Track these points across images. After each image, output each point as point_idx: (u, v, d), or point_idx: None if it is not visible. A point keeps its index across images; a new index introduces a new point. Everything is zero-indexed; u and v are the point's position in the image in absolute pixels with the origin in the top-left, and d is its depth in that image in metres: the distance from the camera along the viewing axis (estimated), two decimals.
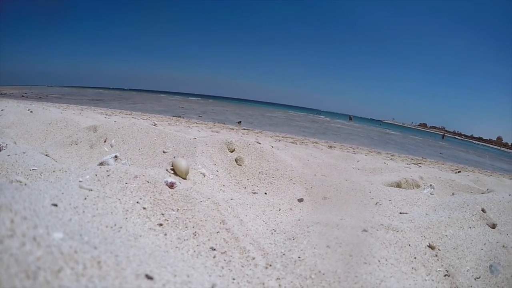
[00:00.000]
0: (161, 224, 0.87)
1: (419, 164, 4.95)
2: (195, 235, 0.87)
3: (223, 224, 0.94)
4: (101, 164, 1.32)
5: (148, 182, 1.01)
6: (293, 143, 5.42)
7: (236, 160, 1.74)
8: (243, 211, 1.15)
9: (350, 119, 36.56)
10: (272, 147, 2.20)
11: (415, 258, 0.96)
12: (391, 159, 5.57)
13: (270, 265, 0.81)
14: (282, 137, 7.01)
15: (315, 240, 0.93)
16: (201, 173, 1.45)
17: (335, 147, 6.36)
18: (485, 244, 1.08)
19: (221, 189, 1.45)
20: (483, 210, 1.29)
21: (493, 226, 1.21)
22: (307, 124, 16.24)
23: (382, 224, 1.09)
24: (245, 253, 0.85)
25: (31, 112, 2.79)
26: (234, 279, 0.75)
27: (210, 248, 0.84)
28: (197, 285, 0.58)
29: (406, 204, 1.44)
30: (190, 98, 36.31)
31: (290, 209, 1.36)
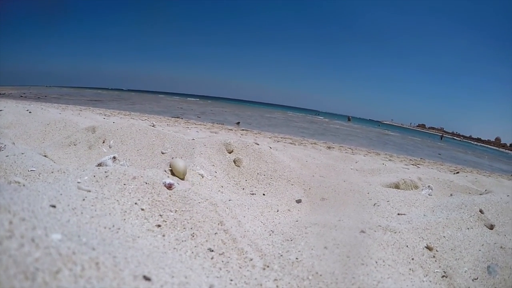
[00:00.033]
0: (159, 225, 0.87)
1: (418, 165, 4.96)
2: (193, 236, 0.87)
3: (221, 225, 0.94)
4: (99, 165, 1.32)
5: (146, 183, 1.01)
6: (291, 144, 5.42)
7: (234, 161, 1.74)
8: (241, 212, 1.15)
9: (349, 119, 36.60)
10: (271, 148, 2.20)
11: (412, 259, 0.96)
12: (389, 160, 5.59)
13: (268, 266, 0.81)
14: (281, 138, 7.02)
15: (313, 241, 0.93)
16: (199, 174, 1.45)
17: (333, 148, 6.37)
18: (483, 245, 1.08)
19: (219, 190, 1.45)
20: (481, 211, 1.29)
21: (491, 227, 1.22)
22: (306, 125, 16.26)
23: (380, 225, 1.09)
24: (243, 254, 0.85)
25: (29, 112, 2.78)
26: (232, 280, 0.75)
27: (208, 249, 0.84)
28: (195, 286, 0.59)
29: (404, 205, 1.44)
30: (189, 98, 36.37)
31: (288, 210, 1.36)
